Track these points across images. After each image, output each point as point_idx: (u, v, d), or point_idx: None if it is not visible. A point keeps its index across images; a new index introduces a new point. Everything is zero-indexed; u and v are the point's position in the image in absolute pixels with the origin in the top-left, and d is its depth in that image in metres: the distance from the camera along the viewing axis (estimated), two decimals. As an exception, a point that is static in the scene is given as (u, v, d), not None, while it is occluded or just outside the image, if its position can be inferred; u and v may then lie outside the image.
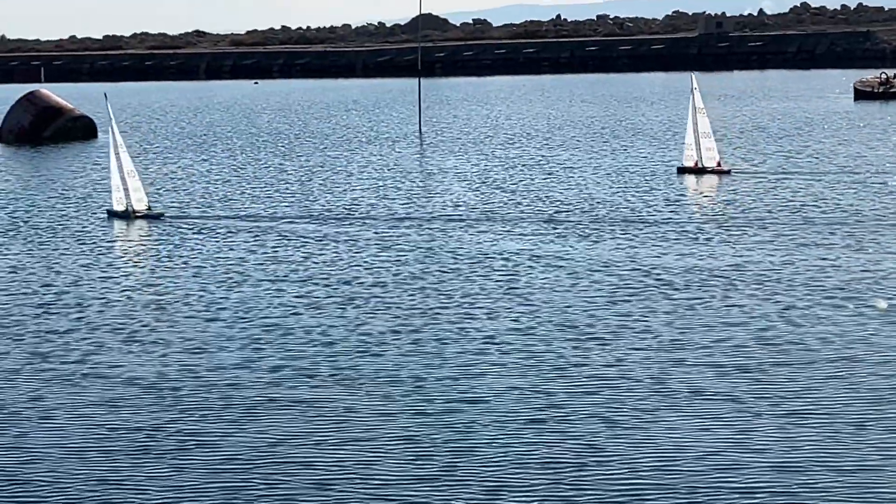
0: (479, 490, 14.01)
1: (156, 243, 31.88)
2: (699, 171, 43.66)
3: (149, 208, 35.91)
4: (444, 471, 14.64)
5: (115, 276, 27.72)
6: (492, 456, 15.03)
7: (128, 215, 35.50)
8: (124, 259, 30.43)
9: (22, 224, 36.03)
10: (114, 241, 33.06)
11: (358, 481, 14.37)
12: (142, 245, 32.10)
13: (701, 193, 39.34)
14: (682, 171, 44.23)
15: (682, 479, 14.16)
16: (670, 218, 33.68)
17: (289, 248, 30.52)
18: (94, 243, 32.16)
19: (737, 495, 13.66)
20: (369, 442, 15.71)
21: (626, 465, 14.63)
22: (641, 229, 31.76)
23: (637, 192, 39.43)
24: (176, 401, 17.72)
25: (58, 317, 23.52)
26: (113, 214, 35.96)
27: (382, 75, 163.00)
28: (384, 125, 75.35)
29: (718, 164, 43.68)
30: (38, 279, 27.37)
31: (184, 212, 37.19)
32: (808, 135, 59.13)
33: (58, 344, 21.27)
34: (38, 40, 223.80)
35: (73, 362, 20.01)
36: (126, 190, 35.53)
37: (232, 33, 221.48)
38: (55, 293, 25.75)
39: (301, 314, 23.10)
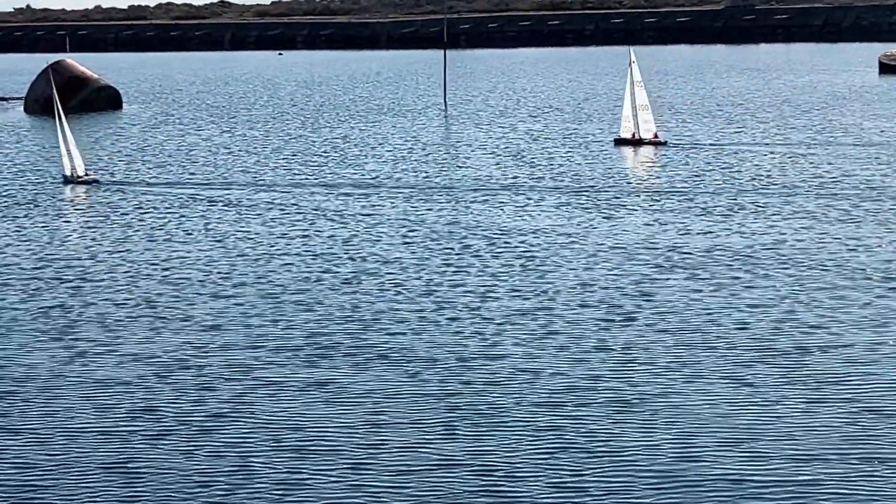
0: (498, 473, 13.90)
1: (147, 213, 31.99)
2: (636, 142, 44.53)
3: (86, 174, 38.56)
4: (462, 451, 14.54)
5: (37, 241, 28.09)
6: (511, 437, 14.91)
7: (73, 180, 38.27)
8: (66, 224, 31.37)
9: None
10: (61, 205, 34.73)
11: (371, 462, 14.31)
12: (100, 212, 32.42)
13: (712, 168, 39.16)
14: (620, 142, 45.20)
15: (702, 464, 14.02)
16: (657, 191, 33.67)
17: (307, 220, 30.50)
18: (39, 207, 34.01)
19: (758, 481, 13.52)
20: (384, 424, 15.61)
21: (645, 449, 14.51)
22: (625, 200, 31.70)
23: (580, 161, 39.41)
24: (187, 380, 17.68)
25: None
26: (66, 180, 38.67)
27: (407, 47, 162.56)
28: (409, 97, 75.21)
29: (655, 136, 44.60)
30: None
31: (121, 179, 39.29)
32: (832, 109, 58.79)
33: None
34: (63, 10, 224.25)
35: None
36: (70, 157, 38.49)
37: (257, 4, 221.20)
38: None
39: (317, 290, 23.01)
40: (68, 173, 38.35)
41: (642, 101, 44.34)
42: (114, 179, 39.34)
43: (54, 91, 41.05)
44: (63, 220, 32.05)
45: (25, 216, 32.44)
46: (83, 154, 39.93)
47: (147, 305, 21.99)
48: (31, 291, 23.36)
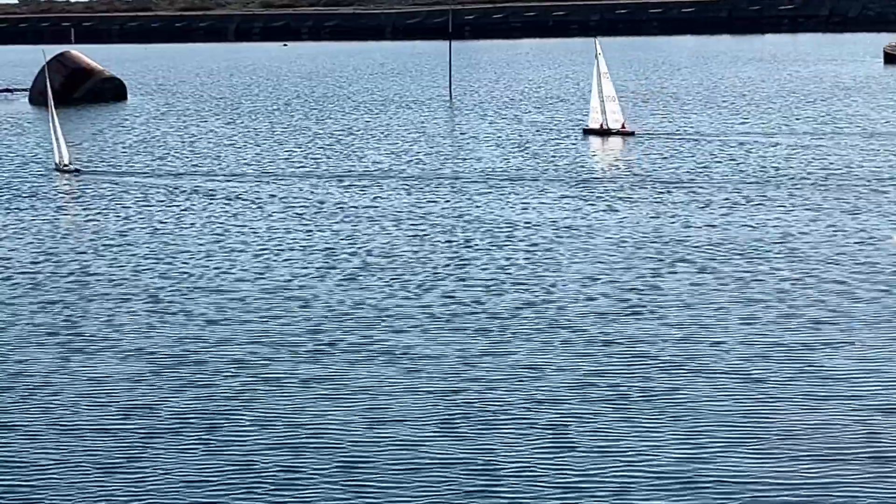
0: (501, 470, 13.79)
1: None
2: (604, 132, 45.09)
3: (69, 163, 40.00)
4: (465, 448, 14.44)
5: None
6: (514, 433, 14.80)
7: (60, 169, 39.91)
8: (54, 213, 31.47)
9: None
10: (54, 194, 35.61)
11: (372, 459, 14.21)
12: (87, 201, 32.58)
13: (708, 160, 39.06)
14: (588, 132, 45.81)
15: (707, 461, 13.90)
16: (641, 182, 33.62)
17: (311, 212, 30.42)
18: (34, 196, 34.86)
19: (764, 478, 13.39)
20: (385, 420, 15.50)
21: (650, 445, 14.40)
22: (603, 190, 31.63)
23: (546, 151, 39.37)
24: (186, 375, 17.57)
25: None
26: (56, 168, 40.31)
27: (411, 38, 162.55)
28: (414, 88, 75.11)
29: (623, 126, 45.10)
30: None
31: (102, 169, 40.42)
32: (838, 99, 58.65)
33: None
34: (68, 1, 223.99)
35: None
36: (59, 147, 40.23)
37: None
38: None
39: (319, 283, 22.89)
40: (58, 161, 39.92)
41: (609, 93, 44.98)
42: (93, 169, 40.06)
43: (48, 82, 43.07)
44: (59, 209, 32.24)
45: (24, 206, 32.56)
46: (79, 144, 41.49)
47: (146, 299, 21.88)
48: (26, 285, 23.32)
